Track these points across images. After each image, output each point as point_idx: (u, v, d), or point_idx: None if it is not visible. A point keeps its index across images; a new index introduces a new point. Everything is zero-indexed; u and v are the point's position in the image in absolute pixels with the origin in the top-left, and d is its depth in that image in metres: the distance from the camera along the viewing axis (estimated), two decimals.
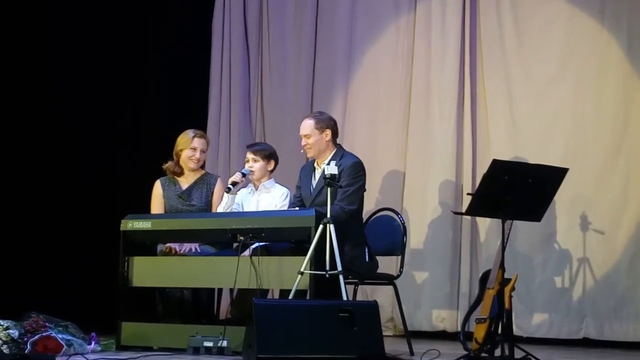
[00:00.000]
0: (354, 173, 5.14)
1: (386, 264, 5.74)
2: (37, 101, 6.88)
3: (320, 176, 5.18)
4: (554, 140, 6.21)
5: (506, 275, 4.62)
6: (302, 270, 4.63)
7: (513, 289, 4.62)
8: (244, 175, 5.47)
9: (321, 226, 4.64)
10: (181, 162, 5.68)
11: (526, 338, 5.94)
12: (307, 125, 5.29)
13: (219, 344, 4.77)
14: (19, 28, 6.81)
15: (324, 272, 4.61)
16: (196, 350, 4.80)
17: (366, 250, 5.21)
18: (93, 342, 4.92)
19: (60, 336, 4.68)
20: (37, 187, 6.87)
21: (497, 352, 4.55)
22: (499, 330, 4.55)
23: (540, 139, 6.24)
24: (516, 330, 5.59)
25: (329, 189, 4.74)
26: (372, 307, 4.47)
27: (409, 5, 6.72)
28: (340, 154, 5.27)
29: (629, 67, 6.07)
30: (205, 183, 5.70)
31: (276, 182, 5.61)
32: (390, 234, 5.47)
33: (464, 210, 5.14)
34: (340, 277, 4.61)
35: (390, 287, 5.34)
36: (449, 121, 6.45)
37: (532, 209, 4.74)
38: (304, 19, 7.08)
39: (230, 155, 7.09)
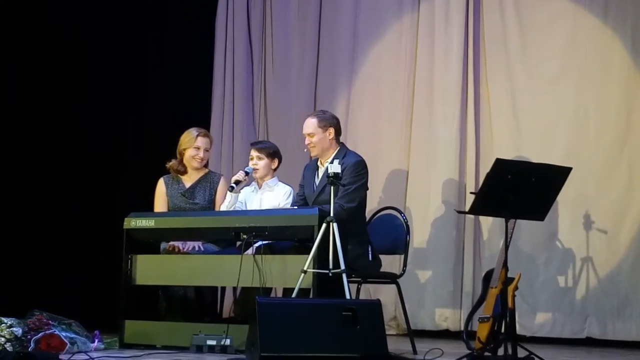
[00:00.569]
0: (356, 171, 5.14)
1: (389, 263, 5.75)
2: (40, 100, 6.88)
3: (324, 174, 5.19)
4: (557, 139, 6.21)
5: (509, 275, 4.61)
6: (305, 268, 4.63)
7: (516, 288, 4.61)
8: (247, 173, 5.47)
9: (324, 225, 4.64)
10: (185, 161, 5.69)
11: (529, 337, 5.94)
12: (311, 124, 5.28)
13: (222, 343, 4.77)
14: (20, 28, 6.80)
15: (327, 271, 4.61)
16: (199, 349, 4.81)
17: (369, 249, 5.21)
18: (96, 340, 4.92)
19: (63, 334, 4.68)
20: (41, 186, 6.87)
21: (500, 351, 4.54)
22: (502, 330, 4.55)
23: (543, 138, 6.23)
24: (519, 330, 5.60)
25: (332, 187, 4.74)
26: (375, 306, 4.46)
27: (413, 4, 6.71)
28: (343, 153, 5.27)
29: (633, 65, 6.07)
30: (208, 181, 5.71)
31: (279, 181, 5.61)
32: (393, 232, 5.47)
33: (467, 209, 5.14)
34: (344, 275, 4.61)
35: (394, 286, 5.34)
36: (452, 120, 6.45)
37: (536, 208, 4.73)
38: (307, 17, 7.09)
39: (234, 154, 7.09)
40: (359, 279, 5.11)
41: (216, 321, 5.29)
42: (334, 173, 4.73)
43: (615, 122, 6.08)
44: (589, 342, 5.96)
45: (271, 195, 5.54)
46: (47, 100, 6.89)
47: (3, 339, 4.57)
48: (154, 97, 7.19)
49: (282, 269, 4.87)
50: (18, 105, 6.78)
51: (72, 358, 4.43)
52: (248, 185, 5.66)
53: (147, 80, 7.18)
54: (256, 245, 4.99)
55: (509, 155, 5.93)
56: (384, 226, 5.52)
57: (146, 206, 5.67)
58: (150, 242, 5.43)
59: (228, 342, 4.75)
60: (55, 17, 6.88)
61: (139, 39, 7.12)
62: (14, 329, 4.62)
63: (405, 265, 5.39)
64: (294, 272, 4.72)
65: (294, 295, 4.68)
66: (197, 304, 5.51)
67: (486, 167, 5.16)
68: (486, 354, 4.58)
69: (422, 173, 6.55)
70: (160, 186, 5.72)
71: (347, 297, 4.65)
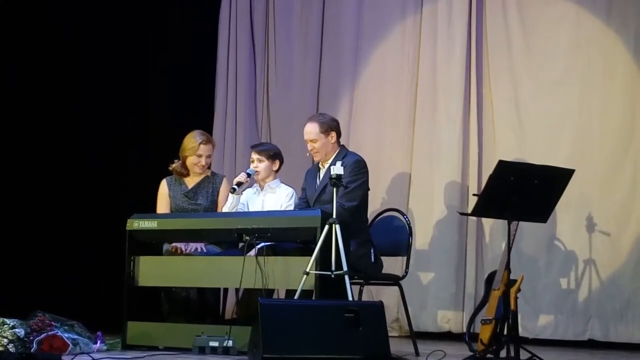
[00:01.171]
0: (355, 170, 5.15)
1: (392, 265, 5.74)
2: (40, 100, 6.88)
3: (325, 175, 5.21)
4: (560, 142, 6.21)
5: (512, 277, 4.62)
6: (307, 270, 4.63)
7: (519, 290, 4.61)
8: (248, 175, 5.47)
9: (327, 226, 4.64)
10: (187, 164, 5.69)
11: (532, 339, 5.94)
12: (312, 130, 5.29)
13: (225, 344, 4.76)
14: (20, 28, 6.81)
15: (330, 273, 4.61)
16: (202, 350, 4.80)
17: (372, 250, 5.21)
18: (99, 342, 4.92)
19: (66, 335, 4.68)
20: (43, 187, 6.88)
21: (503, 354, 4.55)
22: (505, 332, 4.55)
23: (546, 140, 6.23)
24: (521, 332, 5.59)
25: (334, 189, 4.74)
26: (378, 308, 4.46)
27: (415, 6, 6.72)
28: (344, 153, 5.29)
29: (636, 68, 6.07)
30: (211, 182, 5.71)
31: (281, 182, 5.62)
32: (395, 234, 5.47)
33: (469, 211, 5.14)
34: (346, 277, 4.61)
35: (396, 288, 5.35)
36: (455, 122, 6.45)
37: (538, 210, 4.74)
38: (310, 19, 7.09)
39: (236, 156, 7.09)
40: (362, 281, 5.11)
41: (218, 322, 5.30)
42: (337, 175, 4.73)
43: (618, 124, 6.08)
44: (592, 345, 5.96)
45: (273, 197, 5.54)
46: (48, 101, 6.90)
47: (6, 340, 4.57)
48: (156, 98, 7.20)
49: (285, 270, 4.86)
50: (18, 105, 6.78)
51: (74, 359, 4.43)
52: (250, 186, 5.66)
53: (150, 81, 7.19)
54: (258, 246, 4.99)
55: (511, 157, 5.93)
56: (386, 228, 5.52)
57: (149, 207, 5.67)
58: (152, 243, 5.42)
59: (230, 343, 4.75)
60: (55, 17, 6.88)
61: (141, 39, 7.13)
62: (17, 330, 4.62)
63: (407, 267, 5.39)
64: (296, 274, 4.72)
65: (296, 296, 4.68)
66: (200, 305, 5.52)
67: (489, 169, 5.17)
68: (488, 356, 4.58)
69: (425, 175, 6.55)
70: (163, 187, 5.73)
71: (350, 298, 4.65)
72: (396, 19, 6.80)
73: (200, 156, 5.64)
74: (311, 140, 5.30)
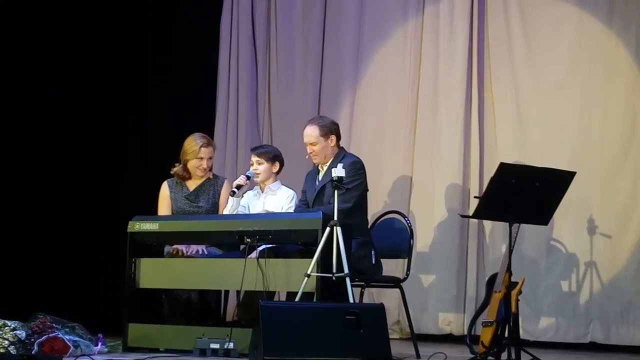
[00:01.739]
0: (352, 172, 5.14)
1: (393, 267, 5.74)
2: (40, 100, 6.88)
3: (323, 176, 5.23)
4: (562, 144, 6.21)
5: (513, 279, 4.62)
6: (308, 272, 4.63)
7: (520, 292, 4.61)
8: (248, 178, 5.47)
9: (328, 228, 4.64)
10: (188, 168, 5.69)
11: (533, 342, 5.92)
12: (312, 133, 5.29)
13: (226, 346, 4.76)
14: (20, 28, 6.81)
15: (331, 275, 4.61)
16: (203, 352, 4.79)
17: (372, 252, 5.21)
18: (100, 344, 4.92)
19: (67, 337, 4.68)
20: (45, 189, 6.89)
21: (504, 356, 4.55)
22: (506, 334, 4.55)
23: (547, 143, 6.23)
24: (523, 334, 5.58)
25: (335, 191, 4.74)
26: (379, 310, 4.46)
27: (417, 9, 6.72)
28: (342, 155, 5.30)
29: (637, 70, 6.07)
30: (212, 185, 5.71)
31: (282, 184, 5.62)
32: (396, 236, 5.47)
33: (471, 214, 5.14)
34: (347, 279, 4.61)
35: (397, 290, 5.34)
36: (457, 124, 6.45)
37: (539, 213, 4.74)
38: (311, 22, 7.09)
39: (238, 158, 7.09)
40: (363, 283, 5.11)
41: (219, 325, 5.30)
42: (338, 177, 4.73)
43: (619, 126, 6.07)
44: (593, 347, 5.96)
45: (274, 199, 5.54)
46: (48, 101, 6.90)
47: (7, 342, 4.57)
48: (157, 100, 7.21)
49: (286, 272, 4.86)
50: (18, 105, 6.78)
51: None
52: (250, 189, 5.66)
53: (151, 82, 7.19)
54: (260, 248, 4.99)
55: (513, 159, 5.93)
56: (387, 230, 5.52)
57: (150, 209, 5.67)
58: (154, 245, 5.42)
59: (231, 345, 4.75)
60: (55, 17, 6.88)
61: (141, 40, 7.13)
62: (18, 331, 4.62)
63: (408, 269, 5.39)
64: (297, 276, 4.71)
65: (297, 299, 4.68)
66: (201, 307, 5.52)
67: (490, 172, 5.18)
68: (490, 358, 4.58)
69: (426, 177, 6.54)
70: (164, 189, 5.73)
71: (351, 301, 4.65)
72: (397, 21, 6.80)
73: (201, 159, 5.64)
74: (311, 144, 5.30)
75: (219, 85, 7.20)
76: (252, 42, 7.22)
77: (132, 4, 7.05)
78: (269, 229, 4.87)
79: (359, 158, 5.30)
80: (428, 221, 6.47)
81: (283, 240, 4.99)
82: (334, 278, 4.60)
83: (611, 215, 6.03)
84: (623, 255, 6.00)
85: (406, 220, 5.48)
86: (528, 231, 5.94)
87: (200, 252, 5.45)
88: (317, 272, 4.64)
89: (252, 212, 5.52)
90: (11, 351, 4.52)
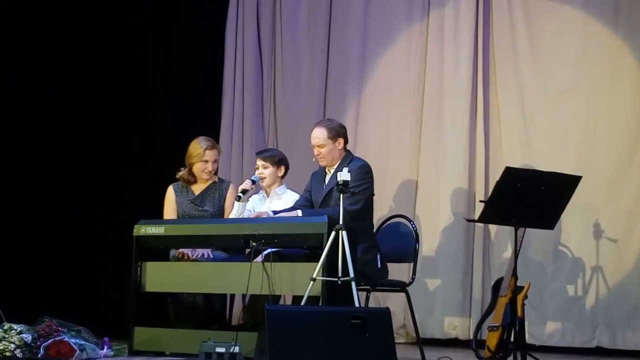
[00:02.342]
0: (360, 175, 5.13)
1: (398, 271, 5.74)
2: (40, 101, 6.89)
3: (330, 180, 5.22)
4: (567, 148, 6.20)
5: (519, 283, 4.61)
6: (314, 276, 4.63)
7: (526, 296, 4.61)
8: (253, 182, 5.47)
9: (334, 232, 4.63)
10: (194, 171, 5.70)
11: (539, 346, 5.92)
12: (320, 135, 5.28)
13: (231, 350, 4.76)
14: (20, 28, 6.82)
15: (337, 279, 4.61)
16: (208, 356, 4.79)
17: (378, 256, 5.20)
18: (106, 347, 4.93)
19: (73, 341, 4.69)
20: (50, 192, 6.90)
21: None
22: (512, 339, 4.54)
23: (553, 147, 6.22)
24: (529, 339, 5.58)
25: (341, 195, 4.74)
26: (385, 314, 4.46)
27: (422, 13, 6.71)
28: (349, 159, 5.28)
29: None
30: (217, 189, 5.72)
31: (288, 188, 5.62)
32: (402, 240, 5.46)
33: (476, 218, 5.13)
34: (353, 283, 4.61)
35: (403, 294, 5.34)
36: (462, 129, 6.44)
37: (545, 217, 4.73)
38: (316, 25, 7.09)
39: (243, 163, 7.09)
40: (368, 287, 5.11)
41: (225, 328, 5.29)
42: (344, 181, 4.73)
43: (625, 131, 6.07)
44: (599, 352, 5.94)
45: (280, 203, 5.53)
46: (49, 102, 6.90)
47: (13, 346, 4.58)
48: (164, 105, 7.21)
49: (291, 276, 4.87)
50: (19, 106, 6.79)
51: None
52: (256, 193, 5.66)
53: (158, 88, 7.20)
54: (265, 252, 4.99)
55: (518, 163, 5.92)
56: (393, 234, 5.51)
57: (155, 213, 5.68)
58: (159, 249, 5.44)
59: (237, 349, 4.75)
60: (55, 17, 6.89)
61: (151, 47, 7.14)
62: (24, 335, 4.63)
63: (414, 273, 5.38)
64: (303, 280, 4.72)
65: (303, 302, 4.68)
66: (206, 311, 5.52)
67: (496, 176, 5.17)
68: None
69: (431, 181, 6.54)
70: (170, 193, 5.74)
71: (356, 305, 4.64)
72: (403, 25, 6.79)
73: (206, 162, 5.65)
74: (318, 146, 5.29)
75: (225, 89, 7.20)
76: (257, 46, 7.22)
77: (132, 4, 7.04)
78: (275, 233, 4.88)
79: (366, 162, 5.29)
80: (434, 225, 6.47)
81: (289, 244, 4.99)
82: (339, 282, 4.60)
83: (617, 219, 6.02)
84: (629, 260, 5.98)
85: (412, 224, 5.48)
86: (534, 235, 5.93)
87: (206, 255, 5.46)
88: (323, 276, 4.64)
89: None
90: (17, 354, 4.54)
